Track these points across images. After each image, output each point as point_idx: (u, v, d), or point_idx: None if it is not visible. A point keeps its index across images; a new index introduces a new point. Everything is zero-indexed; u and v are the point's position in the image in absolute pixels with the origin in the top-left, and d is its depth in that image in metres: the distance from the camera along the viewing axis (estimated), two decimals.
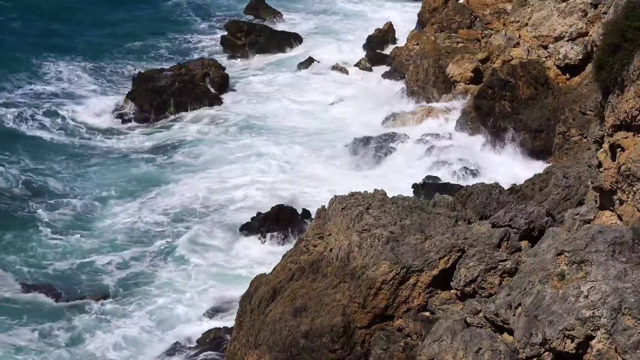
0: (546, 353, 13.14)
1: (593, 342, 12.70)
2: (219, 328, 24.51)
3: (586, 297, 12.89)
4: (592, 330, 12.67)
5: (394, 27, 53.35)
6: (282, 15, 61.13)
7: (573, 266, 13.38)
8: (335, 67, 49.05)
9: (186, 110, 44.07)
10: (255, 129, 41.98)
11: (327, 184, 34.80)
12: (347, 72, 48.54)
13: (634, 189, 14.31)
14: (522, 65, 36.55)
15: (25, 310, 26.25)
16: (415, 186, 32.77)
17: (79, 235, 30.82)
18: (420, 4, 51.11)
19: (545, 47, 37.23)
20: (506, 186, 24.01)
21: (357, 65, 49.87)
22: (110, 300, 26.87)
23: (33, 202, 33.28)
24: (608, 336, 12.54)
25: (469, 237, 17.54)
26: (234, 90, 47.15)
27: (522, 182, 25.19)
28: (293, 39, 55.19)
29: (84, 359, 24.02)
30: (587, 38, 36.29)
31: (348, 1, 66.90)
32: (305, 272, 19.22)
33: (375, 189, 20.17)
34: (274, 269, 20.57)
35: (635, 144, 14.30)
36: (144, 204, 33.54)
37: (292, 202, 32.22)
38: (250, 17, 60.19)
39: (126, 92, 45.20)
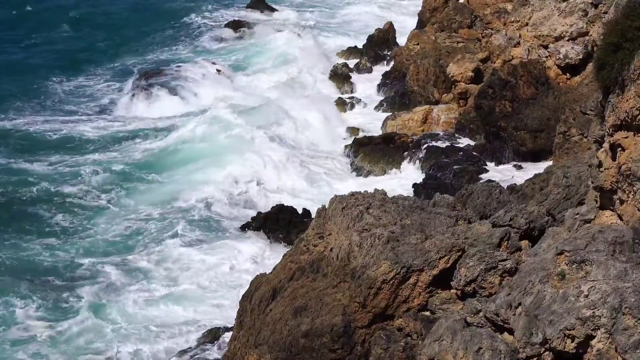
0: (546, 353, 13.13)
1: (593, 342, 12.69)
2: (219, 327, 24.50)
3: (586, 296, 12.88)
4: (592, 330, 12.66)
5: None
6: (282, 15, 61.24)
7: (573, 266, 13.37)
8: (335, 67, 49.05)
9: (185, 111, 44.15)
10: (254, 129, 41.97)
11: (327, 184, 34.81)
12: (346, 73, 48.52)
13: (634, 188, 14.31)
14: (523, 65, 36.54)
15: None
16: (415, 186, 32.78)
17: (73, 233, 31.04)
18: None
19: (546, 47, 37.22)
20: (506, 186, 24.01)
21: (357, 65, 49.87)
22: (108, 296, 26.85)
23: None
24: (608, 336, 12.53)
25: (469, 236, 17.54)
26: (234, 89, 47.13)
27: (523, 182, 25.19)
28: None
29: (80, 356, 24.01)
30: (587, 38, 36.27)
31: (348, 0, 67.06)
32: (306, 271, 19.23)
33: (375, 189, 20.18)
34: (274, 269, 20.58)
35: (635, 143, 14.30)
36: (141, 201, 33.62)
37: (292, 202, 32.24)
38: (251, 17, 60.27)
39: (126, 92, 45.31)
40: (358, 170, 36.35)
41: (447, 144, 36.86)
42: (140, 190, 34.75)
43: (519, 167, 34.69)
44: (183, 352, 23.58)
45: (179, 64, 48.70)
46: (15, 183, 34.96)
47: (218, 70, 47.86)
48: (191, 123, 40.69)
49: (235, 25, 56.16)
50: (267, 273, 20.76)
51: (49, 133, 40.97)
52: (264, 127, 40.61)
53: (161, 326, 25.33)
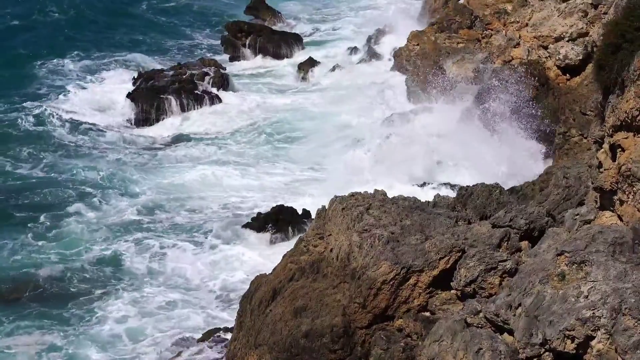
0: (546, 353, 13.14)
1: (593, 343, 12.70)
2: (219, 328, 24.49)
3: (586, 297, 12.89)
4: (592, 331, 12.67)
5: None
6: (282, 15, 61.15)
7: (573, 266, 13.38)
8: (335, 68, 49.03)
9: (185, 111, 44.12)
10: (254, 130, 42.02)
11: (326, 185, 34.78)
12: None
13: (634, 189, 14.31)
14: (523, 66, 36.54)
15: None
16: (415, 186, 32.74)
17: (70, 228, 30.91)
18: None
19: (546, 48, 37.22)
20: (506, 186, 23.99)
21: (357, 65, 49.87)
22: (109, 296, 26.83)
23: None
24: (608, 336, 12.54)
25: (469, 237, 17.54)
26: (234, 90, 47.15)
27: (522, 182, 25.17)
28: (293, 39, 55.20)
29: (81, 356, 23.97)
30: (587, 38, 36.30)
31: (347, 1, 67.05)
32: (306, 272, 19.23)
33: (375, 189, 20.17)
34: (274, 269, 20.57)
35: (635, 144, 14.30)
36: (139, 203, 33.57)
37: (292, 203, 32.20)
38: (251, 17, 60.21)
39: (126, 93, 45.24)
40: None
41: (448, 144, 36.74)
42: None
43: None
44: (182, 353, 23.58)
45: (181, 65, 48.62)
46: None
47: (220, 70, 47.83)
48: None
49: (235, 27, 55.96)
50: (267, 273, 20.75)
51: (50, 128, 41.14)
52: None
53: (159, 328, 25.32)
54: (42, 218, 31.88)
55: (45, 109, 43.12)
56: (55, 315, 25.82)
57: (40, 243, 30.07)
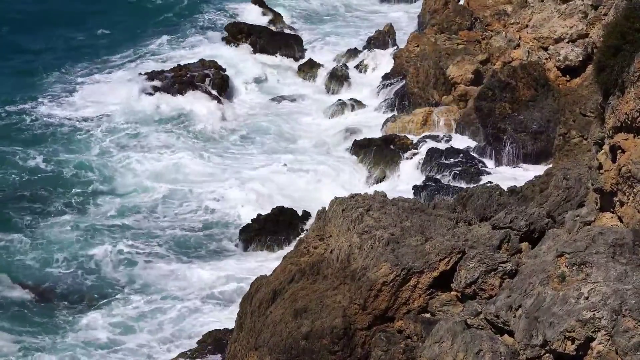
0: (546, 355, 13.13)
1: (593, 344, 12.69)
2: (220, 329, 24.49)
3: (586, 298, 12.89)
4: (592, 332, 12.67)
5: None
6: (281, 16, 61.13)
7: (573, 268, 13.38)
8: (335, 69, 49.00)
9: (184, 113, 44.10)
10: (254, 131, 42.01)
11: (327, 186, 34.78)
12: (346, 75, 48.47)
13: (635, 190, 14.32)
14: (523, 67, 36.54)
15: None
16: (415, 188, 32.80)
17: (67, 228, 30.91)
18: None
19: (546, 49, 37.22)
20: (506, 188, 24.01)
21: (357, 67, 49.82)
22: (109, 299, 26.80)
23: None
24: (608, 338, 12.54)
25: (470, 238, 17.54)
26: (234, 91, 47.13)
27: (523, 184, 25.18)
28: (293, 41, 55.12)
29: (82, 357, 23.95)
30: (587, 40, 36.30)
31: (347, 2, 67.02)
32: (306, 273, 19.23)
33: (375, 191, 20.19)
34: (274, 271, 20.58)
35: (635, 145, 14.31)
36: (130, 205, 33.54)
37: (292, 204, 32.21)
38: (250, 19, 60.17)
39: (126, 93, 45.20)
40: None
41: (447, 145, 36.87)
42: None
43: (519, 169, 34.74)
44: (183, 355, 23.57)
45: (181, 66, 48.52)
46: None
47: (220, 71, 47.79)
48: None
49: (235, 28, 55.90)
50: (267, 275, 20.76)
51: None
52: None
53: (160, 329, 25.32)
54: (29, 220, 31.78)
55: (43, 107, 43.18)
56: (32, 322, 25.68)
57: (19, 246, 29.94)
